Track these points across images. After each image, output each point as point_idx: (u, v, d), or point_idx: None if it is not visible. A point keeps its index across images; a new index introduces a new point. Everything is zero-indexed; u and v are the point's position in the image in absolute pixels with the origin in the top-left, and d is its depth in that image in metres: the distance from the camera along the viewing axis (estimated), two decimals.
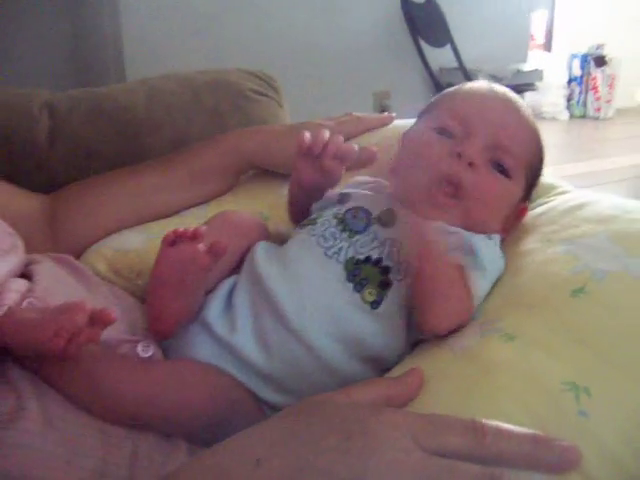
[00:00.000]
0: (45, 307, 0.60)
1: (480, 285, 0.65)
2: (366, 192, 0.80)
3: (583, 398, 0.49)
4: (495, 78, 0.80)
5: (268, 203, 0.95)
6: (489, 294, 0.67)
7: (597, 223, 0.68)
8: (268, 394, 0.68)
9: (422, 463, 0.42)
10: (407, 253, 0.69)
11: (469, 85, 0.82)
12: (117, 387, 0.59)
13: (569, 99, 5.92)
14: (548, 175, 0.89)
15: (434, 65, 3.34)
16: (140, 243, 0.88)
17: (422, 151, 0.75)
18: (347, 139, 1.02)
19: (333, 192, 0.81)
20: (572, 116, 5.89)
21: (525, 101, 0.80)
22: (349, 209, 0.75)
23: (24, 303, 0.60)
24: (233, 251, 0.76)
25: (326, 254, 0.71)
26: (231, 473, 0.42)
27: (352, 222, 0.73)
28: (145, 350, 0.67)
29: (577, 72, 5.89)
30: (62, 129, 1.09)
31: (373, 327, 0.67)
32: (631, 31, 5.81)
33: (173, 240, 0.66)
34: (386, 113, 1.09)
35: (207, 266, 0.66)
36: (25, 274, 0.69)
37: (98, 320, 0.54)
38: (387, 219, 0.73)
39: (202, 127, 1.16)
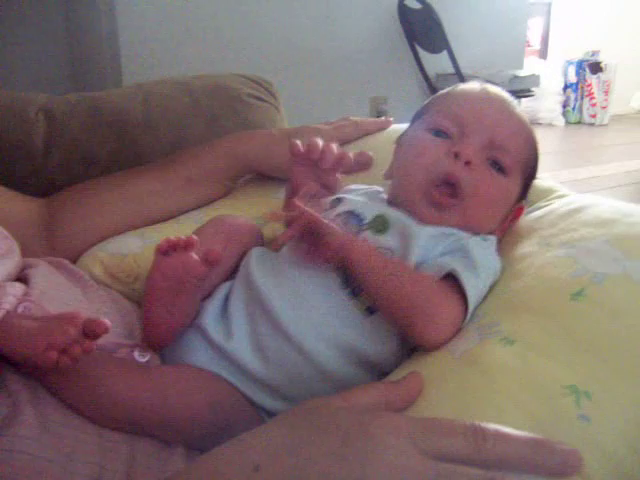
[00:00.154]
0: (40, 315, 0.59)
1: (474, 286, 0.64)
2: (359, 198, 0.80)
3: (584, 402, 0.49)
4: (491, 84, 0.80)
5: (265, 207, 0.95)
6: (487, 297, 0.66)
7: (596, 226, 0.68)
8: (265, 400, 0.67)
9: (422, 467, 0.42)
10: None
11: (462, 86, 0.82)
12: (115, 392, 0.59)
13: (565, 105, 5.95)
14: (546, 179, 0.89)
15: (430, 71, 3.35)
16: (137, 247, 0.87)
17: (419, 153, 0.74)
18: (344, 143, 1.02)
19: (327, 198, 0.81)
20: (568, 122, 5.92)
21: (521, 107, 0.80)
22: (339, 214, 0.75)
23: (20, 307, 0.60)
24: (228, 256, 0.75)
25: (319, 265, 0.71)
26: (230, 478, 0.42)
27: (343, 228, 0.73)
28: (142, 355, 0.67)
29: (573, 79, 5.92)
30: (59, 133, 1.08)
31: (368, 333, 0.67)
32: (626, 38, 5.85)
33: (166, 250, 0.65)
34: (383, 117, 1.09)
35: (202, 275, 0.66)
36: (21, 278, 0.68)
37: (91, 331, 0.53)
38: (380, 226, 0.73)
39: (199, 131, 1.16)
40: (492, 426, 0.45)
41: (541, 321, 0.58)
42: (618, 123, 5.83)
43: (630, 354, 0.53)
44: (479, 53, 3.46)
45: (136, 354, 0.67)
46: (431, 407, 0.52)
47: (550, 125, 5.76)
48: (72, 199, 0.93)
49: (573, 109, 5.94)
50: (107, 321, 0.54)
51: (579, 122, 5.93)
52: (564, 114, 5.93)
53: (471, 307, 0.63)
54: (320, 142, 0.80)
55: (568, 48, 5.97)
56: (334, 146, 0.81)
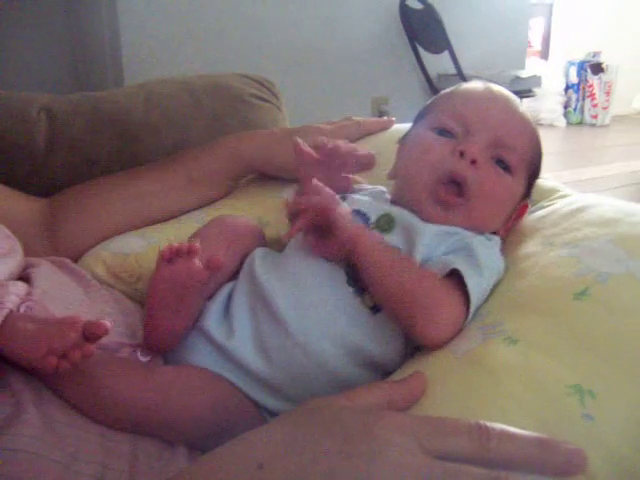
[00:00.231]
0: (42, 314, 0.60)
1: (477, 285, 0.64)
2: (364, 197, 0.80)
3: (587, 401, 0.49)
4: (494, 84, 0.80)
5: (267, 207, 0.95)
6: (491, 297, 0.66)
7: (599, 226, 0.67)
8: (267, 400, 0.67)
9: (426, 466, 0.41)
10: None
11: (465, 85, 0.82)
12: (118, 392, 0.59)
13: (566, 106, 5.95)
14: (549, 179, 0.89)
15: (432, 71, 3.35)
16: (139, 247, 0.87)
17: (424, 152, 0.74)
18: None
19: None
20: (569, 123, 5.91)
21: (528, 111, 0.80)
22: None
23: (22, 307, 0.60)
24: (230, 257, 0.75)
25: (326, 258, 0.71)
26: (233, 477, 0.42)
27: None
28: (144, 355, 0.67)
29: (574, 79, 5.92)
30: (61, 133, 1.08)
31: (373, 332, 0.67)
32: (628, 38, 5.85)
33: (170, 257, 0.65)
34: (385, 117, 1.09)
35: (204, 281, 0.66)
36: (23, 278, 0.68)
37: (91, 333, 0.53)
38: (385, 225, 0.73)
39: (201, 131, 1.16)
40: (496, 425, 0.44)
41: (545, 320, 0.58)
42: (619, 124, 5.82)
43: (634, 353, 0.52)
44: (480, 53, 3.46)
45: (139, 354, 0.67)
46: (434, 407, 0.52)
47: (551, 126, 5.76)
48: (74, 199, 0.93)
49: (574, 110, 5.93)
50: (107, 322, 0.54)
51: (580, 123, 5.92)
52: (565, 115, 5.93)
53: (473, 306, 0.63)
54: (326, 140, 0.80)
55: (569, 49, 5.97)
56: (341, 143, 0.80)
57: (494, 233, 0.76)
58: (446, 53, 3.09)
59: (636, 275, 0.59)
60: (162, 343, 0.68)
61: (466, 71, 3.11)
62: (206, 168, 0.97)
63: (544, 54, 6.14)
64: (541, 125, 5.60)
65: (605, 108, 5.79)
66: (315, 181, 0.70)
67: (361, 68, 3.18)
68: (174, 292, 0.65)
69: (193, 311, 0.70)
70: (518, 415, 0.49)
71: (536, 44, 6.06)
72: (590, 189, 3.31)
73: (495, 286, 0.68)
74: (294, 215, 0.70)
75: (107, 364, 0.61)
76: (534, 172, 0.78)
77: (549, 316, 0.58)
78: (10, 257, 0.69)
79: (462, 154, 0.71)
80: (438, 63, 3.27)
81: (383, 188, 0.85)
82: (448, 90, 0.82)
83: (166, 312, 0.66)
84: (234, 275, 0.77)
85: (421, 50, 3.28)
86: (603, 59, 5.78)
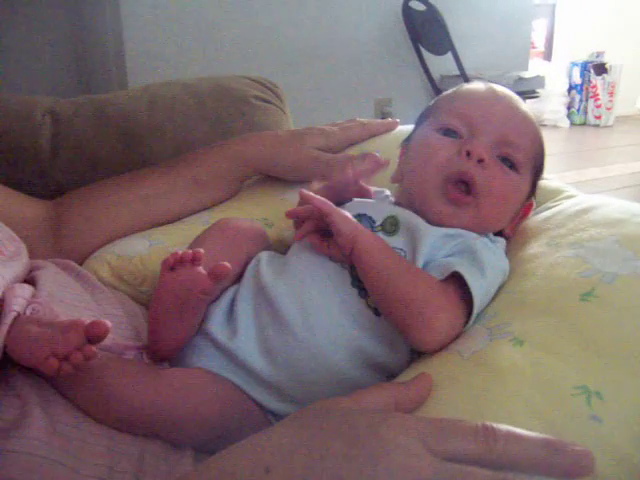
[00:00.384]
0: (48, 316, 0.60)
1: (480, 286, 0.64)
2: (369, 200, 0.80)
3: (595, 402, 0.49)
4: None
5: (272, 209, 0.95)
6: (497, 298, 0.66)
7: (605, 226, 0.67)
8: (273, 403, 0.67)
9: (433, 468, 0.41)
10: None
11: (467, 86, 0.82)
12: (124, 394, 0.59)
13: (569, 107, 5.94)
14: (553, 180, 0.89)
15: (435, 73, 3.35)
16: (144, 249, 0.87)
17: (430, 153, 0.74)
18: (351, 144, 1.02)
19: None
20: (572, 124, 5.91)
21: (531, 110, 0.80)
22: (353, 216, 0.75)
23: (28, 309, 0.60)
24: (234, 261, 0.75)
25: (331, 259, 0.71)
26: None
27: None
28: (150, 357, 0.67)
29: (577, 80, 5.91)
30: (65, 135, 1.09)
31: (377, 333, 0.67)
32: (631, 39, 5.84)
33: (173, 265, 0.65)
34: (389, 119, 1.08)
35: (209, 290, 0.65)
36: (28, 280, 0.68)
37: (93, 334, 0.53)
38: (390, 227, 0.73)
39: (205, 133, 1.16)
40: (503, 427, 0.44)
41: (551, 321, 0.57)
42: (623, 124, 5.81)
43: None
44: (484, 54, 3.45)
45: (144, 356, 0.67)
46: (441, 408, 0.52)
47: (555, 126, 5.75)
48: (78, 201, 0.94)
49: (578, 110, 5.93)
50: (107, 321, 0.54)
51: (584, 123, 5.92)
52: (569, 115, 5.92)
53: (476, 308, 0.63)
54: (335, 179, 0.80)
55: (573, 49, 5.97)
56: (348, 171, 0.81)
57: (500, 233, 0.77)
58: (449, 54, 3.09)
59: None
60: (166, 351, 0.67)
61: (469, 72, 3.11)
62: (211, 170, 0.97)
63: (547, 55, 6.13)
64: (544, 126, 5.60)
65: (609, 109, 5.78)
66: (304, 191, 0.71)
67: (364, 70, 3.18)
68: (178, 300, 0.65)
69: (197, 318, 0.69)
70: (525, 416, 0.49)
71: (539, 45, 6.06)
72: (594, 190, 3.31)
73: (501, 287, 0.68)
74: (297, 223, 0.72)
75: (114, 366, 0.61)
76: (539, 170, 0.78)
77: (555, 317, 0.58)
78: (15, 260, 0.69)
79: (469, 154, 0.71)
80: (441, 64, 3.27)
81: (387, 191, 0.85)
82: (450, 91, 0.82)
83: (170, 320, 0.66)
84: (237, 278, 0.77)
85: (424, 51, 3.28)
86: (606, 59, 5.77)
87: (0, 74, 2.42)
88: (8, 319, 0.56)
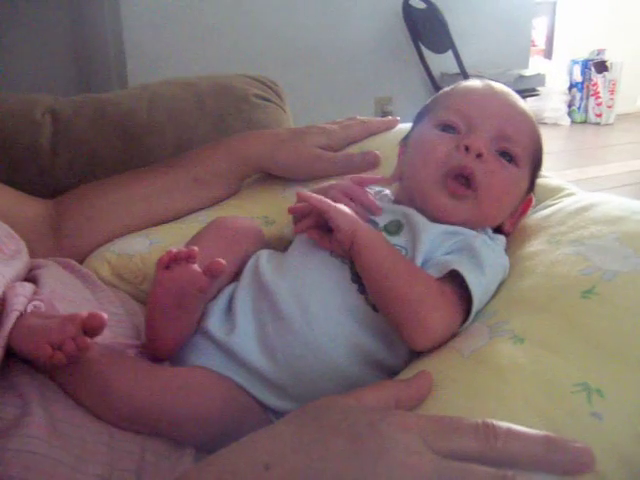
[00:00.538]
0: (50, 312, 0.60)
1: (480, 284, 0.64)
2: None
3: (595, 399, 0.49)
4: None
5: (272, 207, 0.95)
6: (497, 295, 0.66)
7: (605, 224, 0.67)
8: (273, 401, 0.67)
9: (433, 465, 0.41)
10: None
11: (465, 83, 0.83)
12: (129, 392, 0.59)
13: (570, 105, 5.93)
14: (554, 178, 0.89)
15: (436, 71, 3.35)
16: (143, 248, 0.87)
17: (429, 148, 0.75)
18: (351, 143, 1.02)
19: None
20: (573, 122, 5.90)
21: (528, 106, 0.80)
22: None
23: (29, 306, 0.60)
24: (231, 259, 0.75)
25: (332, 254, 0.71)
26: (240, 478, 0.42)
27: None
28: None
29: (578, 78, 5.90)
30: (65, 134, 1.09)
31: (377, 329, 0.67)
32: (632, 36, 5.83)
33: (168, 263, 0.65)
34: (390, 117, 1.08)
35: (205, 287, 0.65)
36: (30, 279, 0.68)
37: (90, 327, 0.53)
38: (393, 228, 0.73)
39: (205, 132, 1.16)
40: (503, 424, 0.44)
41: (551, 319, 0.58)
42: (624, 122, 5.80)
43: None
44: (484, 52, 3.45)
45: (144, 355, 0.67)
46: (441, 406, 0.52)
47: (555, 125, 5.74)
48: (78, 200, 0.94)
49: (578, 108, 5.92)
50: (104, 314, 0.54)
51: (584, 121, 5.91)
52: (569, 113, 5.91)
53: (475, 306, 0.63)
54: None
55: (573, 47, 5.95)
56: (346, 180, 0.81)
57: (500, 229, 0.77)
58: (450, 53, 3.09)
59: None
60: (164, 350, 0.67)
61: (470, 70, 3.11)
62: (210, 168, 0.97)
63: (548, 53, 6.12)
64: (545, 124, 5.59)
65: (609, 107, 5.77)
66: (301, 192, 0.72)
67: (364, 68, 3.18)
68: (174, 299, 0.65)
69: (194, 317, 0.69)
70: (525, 414, 0.49)
71: (540, 43, 6.05)
72: (594, 188, 3.31)
73: (501, 285, 0.68)
74: (297, 218, 0.73)
75: (117, 363, 0.61)
76: (537, 165, 0.79)
77: (556, 314, 0.58)
78: (16, 259, 0.69)
79: (467, 149, 0.71)
80: (442, 63, 3.27)
81: (386, 190, 0.85)
82: (447, 88, 0.83)
83: (167, 319, 0.66)
84: (235, 277, 0.77)
85: (424, 50, 3.28)
86: (607, 57, 5.76)
87: (0, 72, 2.42)
88: (11, 319, 0.56)
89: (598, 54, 5.82)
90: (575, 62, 5.91)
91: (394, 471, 0.41)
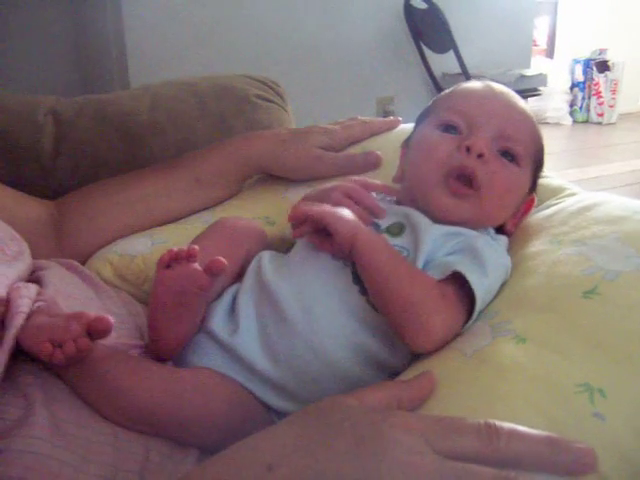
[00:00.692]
0: (54, 311, 0.60)
1: (482, 284, 0.64)
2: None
3: (598, 399, 0.49)
4: (498, 83, 0.80)
5: (273, 207, 0.95)
6: (499, 295, 0.66)
7: (607, 224, 0.67)
8: (276, 401, 0.67)
9: (435, 466, 0.41)
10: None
11: (465, 84, 0.83)
12: (134, 392, 0.59)
13: (572, 104, 5.92)
14: (555, 178, 0.89)
15: (437, 71, 3.35)
16: (145, 248, 0.87)
17: (431, 149, 0.75)
18: (353, 143, 1.02)
19: None
20: (575, 121, 5.89)
21: (528, 106, 0.81)
22: None
23: (34, 306, 0.60)
24: (233, 260, 0.75)
25: (333, 257, 0.71)
26: (243, 478, 0.42)
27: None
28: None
29: (580, 77, 5.89)
30: (67, 135, 1.09)
31: (378, 330, 0.67)
32: (634, 36, 5.82)
33: (168, 262, 0.65)
34: (391, 117, 1.08)
35: (206, 286, 0.65)
36: (33, 280, 0.68)
37: (95, 329, 0.54)
38: (395, 230, 0.73)
39: (206, 133, 1.16)
40: (506, 424, 0.44)
41: (553, 319, 0.58)
42: (626, 122, 5.79)
43: None
44: (486, 52, 3.45)
45: (148, 355, 0.67)
46: (443, 406, 0.52)
47: (557, 124, 5.74)
48: (80, 201, 0.94)
49: (580, 108, 5.91)
50: (111, 318, 0.54)
51: (586, 121, 5.90)
52: (571, 113, 5.91)
53: (478, 306, 0.63)
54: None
55: (575, 47, 5.95)
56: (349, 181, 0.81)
57: (502, 228, 0.77)
58: (451, 52, 3.09)
59: None
60: (167, 350, 0.67)
61: (471, 70, 3.11)
62: (212, 169, 0.97)
63: (549, 52, 6.12)
64: (547, 124, 5.58)
65: (611, 106, 5.76)
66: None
67: (366, 68, 3.18)
68: (175, 298, 0.65)
69: (196, 317, 0.69)
70: (527, 414, 0.49)
71: (541, 42, 6.05)
72: (596, 187, 3.30)
73: (503, 285, 0.68)
74: (295, 225, 0.74)
75: (124, 363, 0.61)
76: (538, 164, 0.79)
77: (558, 314, 0.58)
78: (19, 260, 0.69)
79: (469, 149, 0.72)
80: (443, 62, 3.27)
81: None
82: (448, 90, 0.83)
83: (168, 318, 0.66)
84: (237, 277, 0.77)
85: (426, 50, 3.28)
86: (609, 57, 5.75)
87: (0, 70, 2.43)
88: (17, 321, 0.56)
89: (600, 53, 5.82)
90: (577, 62, 5.90)
91: (396, 471, 0.41)
